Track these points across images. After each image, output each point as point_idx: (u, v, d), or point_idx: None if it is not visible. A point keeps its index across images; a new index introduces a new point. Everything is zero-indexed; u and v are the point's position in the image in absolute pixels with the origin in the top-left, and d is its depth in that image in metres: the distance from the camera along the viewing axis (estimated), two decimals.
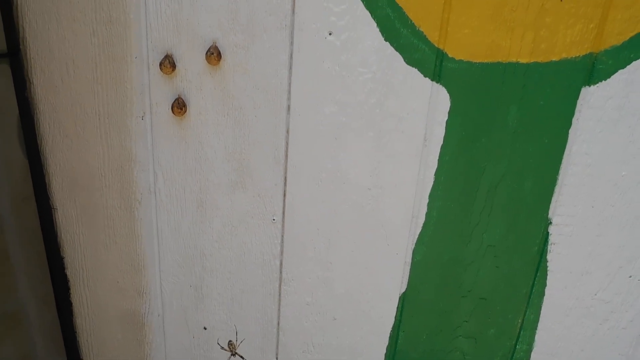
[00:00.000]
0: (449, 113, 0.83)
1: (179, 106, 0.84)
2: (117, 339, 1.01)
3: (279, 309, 0.99)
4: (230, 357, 1.03)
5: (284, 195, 0.89)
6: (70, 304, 0.97)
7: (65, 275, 0.94)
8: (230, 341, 1.03)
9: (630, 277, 0.94)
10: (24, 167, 0.84)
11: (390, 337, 1.02)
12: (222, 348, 1.02)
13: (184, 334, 1.02)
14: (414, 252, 0.93)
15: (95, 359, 1.04)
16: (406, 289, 0.97)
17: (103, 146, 0.88)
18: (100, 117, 0.86)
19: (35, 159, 0.87)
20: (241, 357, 1.03)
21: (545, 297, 0.97)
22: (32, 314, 0.86)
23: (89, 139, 0.88)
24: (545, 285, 0.96)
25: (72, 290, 0.96)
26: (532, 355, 1.03)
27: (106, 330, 1.01)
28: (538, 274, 0.95)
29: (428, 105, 0.82)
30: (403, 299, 0.98)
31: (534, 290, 0.97)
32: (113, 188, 0.90)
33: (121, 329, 1.00)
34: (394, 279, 0.96)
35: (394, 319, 1.00)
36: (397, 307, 0.99)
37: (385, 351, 1.03)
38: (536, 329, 1.01)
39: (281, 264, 0.94)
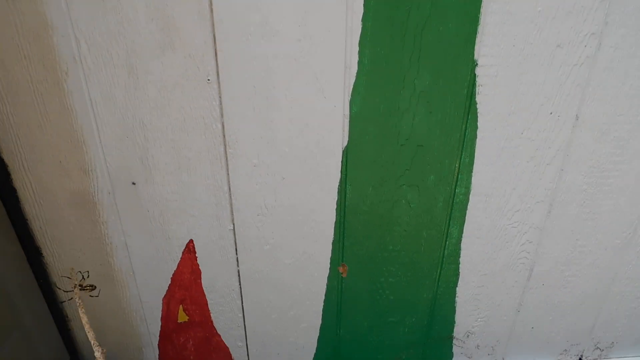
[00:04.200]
0: None
1: None
2: (70, 222, 1.02)
3: (227, 173, 1.01)
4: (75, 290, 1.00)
5: (215, 53, 0.88)
6: (14, 190, 0.95)
7: (3, 160, 0.92)
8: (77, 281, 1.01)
9: (551, 113, 1.01)
10: None
11: (339, 192, 1.07)
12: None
13: (137, 208, 1.04)
14: (351, 103, 0.96)
15: (51, 245, 1.05)
16: (348, 142, 1.00)
17: (12, 12, 0.83)
18: None
19: None
20: (89, 286, 1.03)
21: (477, 140, 1.03)
22: None
23: None
24: (477, 127, 1.01)
25: (12, 176, 0.94)
26: (470, 197, 1.11)
27: (58, 214, 1.01)
28: (469, 117, 1.00)
29: None
30: (346, 152, 1.02)
31: (467, 134, 1.02)
32: (34, 59, 0.85)
33: (73, 211, 1.00)
34: (335, 132, 0.99)
35: (340, 174, 1.04)
36: (342, 162, 1.03)
37: (335, 206, 1.08)
38: (472, 172, 1.08)
39: (223, 126, 0.95)
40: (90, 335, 0.83)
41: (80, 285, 0.91)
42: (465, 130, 1.01)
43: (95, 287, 0.96)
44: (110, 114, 0.93)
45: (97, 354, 0.78)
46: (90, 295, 0.99)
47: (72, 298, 0.97)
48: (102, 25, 0.85)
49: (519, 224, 1.16)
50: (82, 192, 0.98)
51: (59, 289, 1.01)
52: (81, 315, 0.83)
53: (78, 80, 0.89)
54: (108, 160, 0.97)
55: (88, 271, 0.99)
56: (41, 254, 1.05)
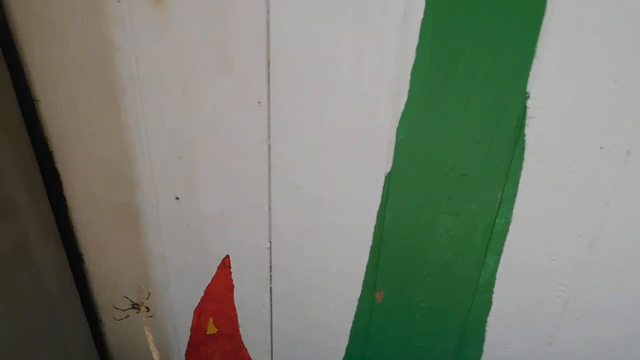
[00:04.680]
0: None
1: None
2: (113, 232, 1.04)
3: (269, 193, 1.01)
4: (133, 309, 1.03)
5: (268, 77, 0.89)
6: (64, 198, 0.98)
7: (56, 170, 0.95)
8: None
9: (601, 148, 0.99)
10: None
11: (378, 217, 1.06)
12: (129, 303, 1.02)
13: (179, 223, 1.05)
14: (398, 130, 0.95)
15: (93, 253, 1.07)
16: (391, 168, 1.00)
17: (80, 33, 0.85)
18: (74, 1, 0.83)
19: (11, 48, 0.84)
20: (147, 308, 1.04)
21: (522, 171, 1.01)
22: (23, 204, 0.87)
23: (65, 25, 0.85)
24: (523, 159, 0.99)
25: (64, 185, 0.96)
26: (510, 228, 1.09)
27: (102, 223, 1.03)
28: (517, 149, 0.99)
29: None
30: (389, 178, 1.02)
31: (512, 165, 1.01)
32: (95, 77, 0.88)
33: (117, 222, 1.02)
34: (380, 158, 0.98)
35: (380, 199, 1.04)
36: (384, 187, 1.02)
37: (373, 230, 1.08)
38: (514, 203, 1.06)
39: (269, 147, 0.96)
40: (155, 355, 0.84)
41: (135, 305, 0.93)
42: (512, 161, 1.00)
43: (148, 309, 0.97)
44: (161, 130, 0.95)
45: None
46: (149, 316, 1.01)
47: (128, 316, 0.98)
48: (162, 47, 0.87)
49: (558, 257, 1.14)
50: (127, 204, 0.99)
51: (117, 308, 1.03)
52: (147, 333, 0.85)
53: (134, 98, 0.91)
54: (154, 175, 0.99)
55: (149, 292, 1.00)
56: (82, 259, 1.07)
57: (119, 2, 0.84)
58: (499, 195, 1.06)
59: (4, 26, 0.84)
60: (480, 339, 1.30)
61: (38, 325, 0.93)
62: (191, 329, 1.25)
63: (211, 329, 1.24)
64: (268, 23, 0.85)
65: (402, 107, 0.93)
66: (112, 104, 0.91)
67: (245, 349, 1.29)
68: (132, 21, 0.86)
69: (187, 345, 1.28)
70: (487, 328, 1.28)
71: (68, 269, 1.03)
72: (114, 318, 0.98)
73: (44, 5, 0.84)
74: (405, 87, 0.91)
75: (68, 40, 0.87)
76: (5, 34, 0.84)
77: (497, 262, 1.15)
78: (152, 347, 0.84)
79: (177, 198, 1.01)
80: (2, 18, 0.83)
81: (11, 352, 0.85)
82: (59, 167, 0.96)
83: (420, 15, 0.84)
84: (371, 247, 1.10)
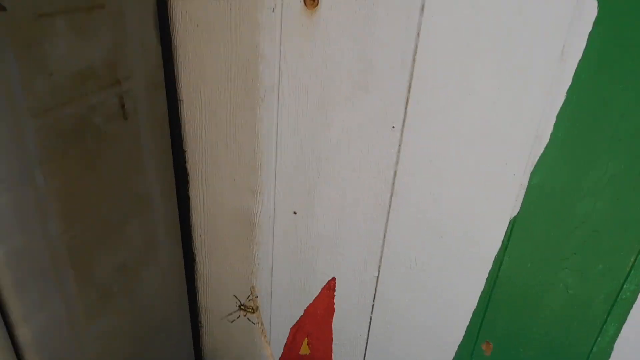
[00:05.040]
0: (594, 24, 0.78)
1: None
2: (228, 237, 1.06)
3: (387, 221, 0.99)
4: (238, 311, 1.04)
5: (407, 102, 0.88)
6: (188, 198, 1.02)
7: (186, 169, 0.99)
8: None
9: None
10: (158, 53, 0.88)
11: (495, 262, 1.00)
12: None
13: (292, 238, 1.06)
14: (532, 174, 0.90)
15: (207, 256, 1.10)
16: (518, 212, 0.95)
17: (232, 39, 0.89)
18: (232, 9, 0.87)
19: (167, 47, 0.90)
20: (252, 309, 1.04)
21: None
22: (156, 200, 0.92)
23: (219, 30, 0.90)
24: None
25: (190, 185, 1.01)
26: (639, 296, 0.99)
27: (219, 227, 1.06)
28: None
29: (572, 12, 0.78)
30: (513, 223, 0.96)
31: None
32: (238, 83, 0.91)
33: (233, 227, 1.05)
34: (507, 201, 0.93)
35: (500, 243, 0.98)
36: (506, 231, 0.97)
37: (487, 276, 1.02)
38: None
39: (395, 174, 0.94)
40: (268, 352, 0.86)
41: (243, 305, 0.95)
42: None
43: (255, 310, 0.99)
44: (291, 144, 0.96)
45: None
46: (248, 318, 1.02)
47: (239, 317, 1.01)
48: (307, 59, 0.89)
49: None
50: (246, 212, 1.02)
51: (229, 314, 1.06)
52: (259, 330, 0.88)
53: (271, 108, 0.93)
54: (277, 187, 1.01)
55: (257, 296, 1.03)
56: (194, 259, 1.11)
57: (273, 11, 0.87)
58: (632, 259, 0.97)
59: (166, 27, 0.90)
60: None
61: (153, 321, 0.97)
62: (284, 346, 1.24)
63: (304, 350, 1.23)
64: (416, 47, 0.85)
65: (540, 151, 0.88)
66: (250, 110, 0.94)
67: None
68: (282, 32, 0.88)
69: None
70: None
71: (183, 269, 1.07)
72: (227, 317, 1.00)
73: (203, 10, 0.90)
74: (549, 130, 0.86)
75: (219, 45, 0.92)
76: (166, 35, 0.91)
77: (618, 330, 1.04)
78: (264, 342, 0.85)
79: (295, 213, 1.02)
80: (166, 20, 0.90)
81: (127, 343, 0.88)
82: (189, 167, 1.00)
83: (579, 56, 0.80)
84: (481, 292, 1.04)
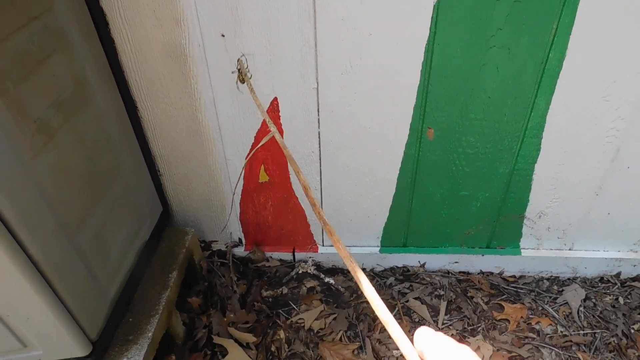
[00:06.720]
0: None
1: None
2: (163, 75, 1.06)
3: (315, 28, 0.99)
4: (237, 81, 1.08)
5: None
6: (112, 40, 0.99)
7: (101, 8, 0.95)
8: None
9: None
10: None
11: (426, 52, 1.03)
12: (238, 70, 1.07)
13: (225, 62, 1.06)
14: None
15: (145, 98, 1.10)
16: None
17: None
18: None
19: None
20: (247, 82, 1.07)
21: None
22: (76, 36, 0.88)
23: None
24: None
25: (111, 25, 0.97)
26: (564, 64, 1.04)
27: (152, 67, 1.05)
28: None
29: None
30: (437, 7, 0.97)
31: None
32: None
33: (166, 64, 1.04)
34: None
35: (428, 31, 1.00)
36: (432, 17, 0.98)
37: (421, 67, 1.05)
38: (570, 34, 1.01)
39: None
40: (264, 114, 0.93)
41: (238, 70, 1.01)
42: None
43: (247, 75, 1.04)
44: None
45: (272, 128, 0.87)
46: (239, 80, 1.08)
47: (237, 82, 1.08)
48: None
49: (612, 97, 1.09)
50: (174, 44, 1.00)
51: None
52: (254, 98, 0.95)
53: None
54: (199, 11, 0.98)
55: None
56: (136, 106, 1.11)
57: None
58: (555, 26, 1.01)
59: None
60: (527, 188, 1.31)
61: (106, 165, 0.99)
62: (244, 178, 1.31)
63: (263, 177, 1.29)
64: None
65: None
66: None
67: (296, 197, 1.34)
68: None
69: (241, 194, 1.35)
70: (534, 177, 1.28)
71: (126, 115, 1.07)
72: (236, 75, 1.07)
73: None
74: None
75: None
76: None
77: (548, 102, 1.12)
78: (260, 109, 0.92)
79: (223, 35, 1.00)
80: None
81: (84, 184, 0.91)
82: (104, 5, 0.96)
83: None
84: (418, 86, 1.09)
